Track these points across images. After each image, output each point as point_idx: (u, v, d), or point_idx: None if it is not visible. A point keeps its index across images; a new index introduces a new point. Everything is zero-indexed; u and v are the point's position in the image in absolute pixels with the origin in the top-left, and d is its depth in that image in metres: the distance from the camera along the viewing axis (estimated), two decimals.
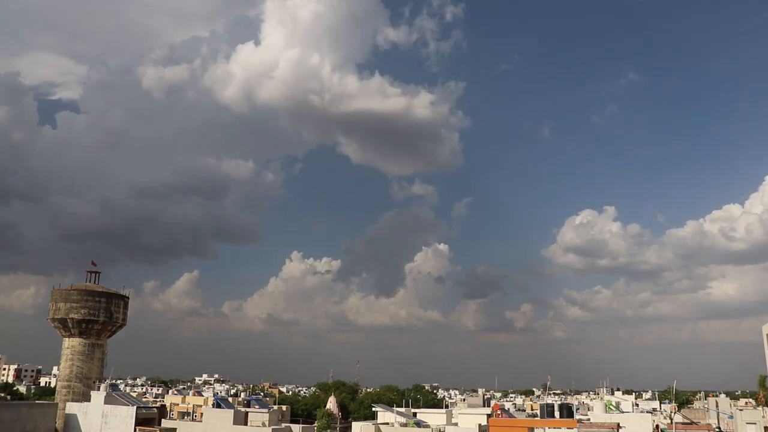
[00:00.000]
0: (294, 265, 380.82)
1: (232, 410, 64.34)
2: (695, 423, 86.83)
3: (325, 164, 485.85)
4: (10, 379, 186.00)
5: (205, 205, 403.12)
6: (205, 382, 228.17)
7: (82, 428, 65.28)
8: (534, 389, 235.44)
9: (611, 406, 77.49)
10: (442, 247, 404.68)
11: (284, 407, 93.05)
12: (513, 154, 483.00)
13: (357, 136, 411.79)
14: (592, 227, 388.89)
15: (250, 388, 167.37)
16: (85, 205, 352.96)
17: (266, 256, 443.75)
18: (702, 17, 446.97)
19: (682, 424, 79.03)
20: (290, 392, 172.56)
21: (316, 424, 69.03)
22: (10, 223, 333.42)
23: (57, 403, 73.29)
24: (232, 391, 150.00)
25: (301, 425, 65.89)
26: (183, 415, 79.45)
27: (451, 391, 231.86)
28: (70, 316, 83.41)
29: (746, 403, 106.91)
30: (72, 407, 67.95)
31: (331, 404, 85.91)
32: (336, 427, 72.88)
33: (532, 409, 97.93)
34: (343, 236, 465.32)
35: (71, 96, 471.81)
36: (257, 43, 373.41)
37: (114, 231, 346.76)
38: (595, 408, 75.63)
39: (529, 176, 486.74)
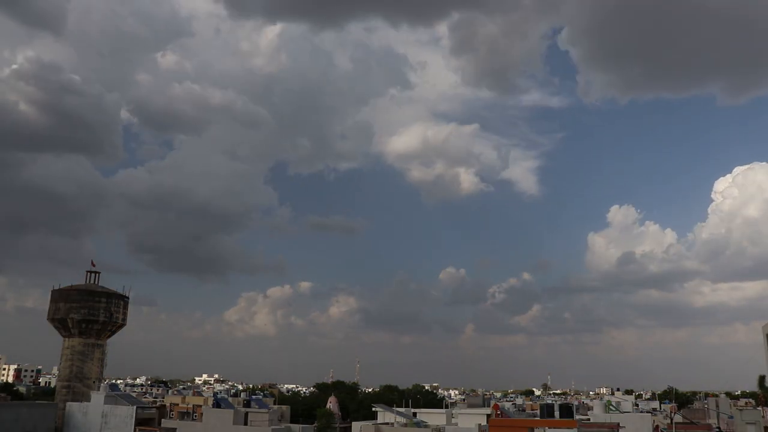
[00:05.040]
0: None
1: (232, 410, 64.26)
2: (695, 423, 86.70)
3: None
4: (10, 379, 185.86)
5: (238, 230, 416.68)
6: (205, 382, 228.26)
7: (82, 428, 65.27)
8: (534, 389, 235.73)
9: (611, 406, 77.40)
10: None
11: (284, 407, 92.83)
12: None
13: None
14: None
15: (250, 388, 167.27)
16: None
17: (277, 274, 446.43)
18: None
19: (682, 424, 78.86)
20: (290, 392, 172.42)
21: (316, 424, 68.97)
22: None
23: (57, 403, 73.35)
24: (232, 391, 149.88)
25: (301, 425, 65.83)
26: (183, 415, 79.13)
27: (451, 391, 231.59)
28: (70, 316, 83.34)
29: (746, 403, 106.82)
30: (72, 407, 67.95)
31: (331, 404, 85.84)
32: (336, 427, 72.83)
33: (532, 409, 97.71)
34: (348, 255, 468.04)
35: None
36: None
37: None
38: (595, 408, 75.61)
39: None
